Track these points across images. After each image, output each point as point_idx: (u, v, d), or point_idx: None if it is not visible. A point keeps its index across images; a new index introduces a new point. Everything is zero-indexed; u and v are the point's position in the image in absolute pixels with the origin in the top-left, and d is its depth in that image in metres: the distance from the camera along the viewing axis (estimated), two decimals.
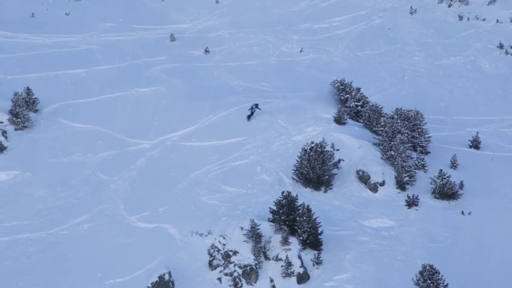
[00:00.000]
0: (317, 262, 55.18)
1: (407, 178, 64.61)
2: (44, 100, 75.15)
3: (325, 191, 64.06)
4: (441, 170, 63.77)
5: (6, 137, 69.32)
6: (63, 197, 62.86)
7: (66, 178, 65.27)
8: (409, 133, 69.41)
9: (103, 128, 72.41)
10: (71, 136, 71.17)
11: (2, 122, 70.89)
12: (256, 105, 69.31)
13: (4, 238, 57.65)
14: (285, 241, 55.64)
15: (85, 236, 58.15)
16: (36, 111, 73.94)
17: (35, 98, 74.15)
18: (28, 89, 74.02)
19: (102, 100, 77.42)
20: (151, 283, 53.07)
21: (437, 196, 63.14)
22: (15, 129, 70.83)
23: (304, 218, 55.96)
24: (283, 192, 57.84)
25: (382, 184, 64.58)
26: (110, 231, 58.65)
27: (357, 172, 65.67)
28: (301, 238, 56.08)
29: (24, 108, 71.91)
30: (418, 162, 66.83)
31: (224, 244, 55.90)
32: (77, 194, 63.31)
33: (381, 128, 69.39)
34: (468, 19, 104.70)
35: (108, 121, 73.50)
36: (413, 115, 71.28)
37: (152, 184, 64.53)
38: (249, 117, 68.67)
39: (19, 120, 70.93)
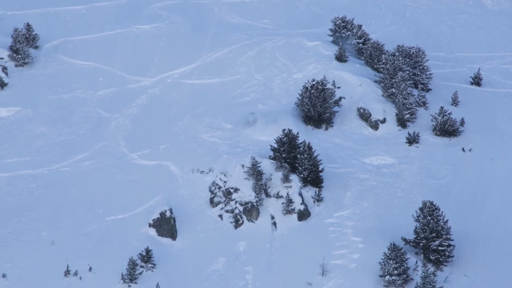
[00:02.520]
0: (318, 199, 54.87)
1: (408, 116, 63.92)
2: (44, 36, 73.92)
3: (326, 129, 63.45)
4: (442, 107, 63.15)
5: (6, 74, 68.43)
6: (64, 134, 62.34)
7: (66, 115, 64.64)
8: (410, 70, 68.45)
9: (103, 65, 71.41)
10: (72, 73, 70.23)
11: (2, 58, 69.94)
12: None
13: (5, 174, 57.28)
14: (286, 179, 55.24)
15: (86, 173, 57.80)
16: (36, 47, 72.81)
17: (35, 34, 72.98)
18: (28, 25, 72.81)
19: (102, 37, 76.13)
20: (152, 220, 52.83)
21: (438, 133, 62.57)
22: (16, 66, 69.88)
23: (305, 155, 55.50)
24: (284, 130, 57.29)
25: (383, 121, 63.93)
26: (111, 168, 58.25)
27: (358, 109, 64.95)
28: (301, 175, 55.68)
29: (24, 44, 70.82)
30: (419, 99, 66.05)
31: (225, 182, 55.50)
32: (78, 131, 62.75)
33: (382, 66, 68.44)
34: None
35: (109, 58, 72.44)
36: (414, 52, 70.27)
37: (153, 121, 63.93)
38: None
39: (19, 56, 69.91)
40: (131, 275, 48.43)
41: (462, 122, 63.31)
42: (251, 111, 64.08)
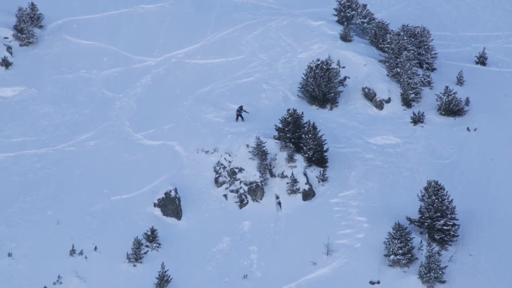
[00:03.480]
0: (323, 179, 54.70)
1: (413, 95, 63.65)
2: (49, 16, 73.43)
3: (331, 109, 63.22)
4: (447, 87, 62.82)
5: (11, 53, 68.07)
6: (69, 114, 62.05)
7: (71, 94, 64.33)
8: (415, 50, 68.11)
9: (108, 45, 71.02)
10: (76, 53, 69.83)
11: (7, 38, 69.55)
12: (240, 108, 59.94)
13: (11, 153, 57.05)
14: (290, 159, 55.04)
15: (91, 152, 57.60)
16: (40, 27, 72.38)
17: (40, 13, 72.52)
18: (32, 4, 72.30)
19: (106, 16, 75.62)
20: (157, 200, 52.70)
21: (443, 112, 62.28)
22: (20, 45, 69.48)
23: (310, 135, 55.28)
24: (288, 110, 57.08)
25: (388, 101, 63.65)
26: (116, 148, 58.03)
27: (363, 89, 64.65)
28: (306, 155, 55.48)
29: (28, 24, 70.37)
30: (424, 79, 65.76)
31: (229, 162, 55.32)
32: (83, 111, 62.46)
33: (387, 45, 68.08)
34: None
35: (113, 38, 72.02)
36: (419, 32, 69.90)
37: (157, 101, 63.62)
38: (236, 119, 60.17)
39: (24, 36, 69.52)
40: (136, 255, 48.37)
41: (467, 102, 63.04)
42: (256, 91, 63.67)
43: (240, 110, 59.34)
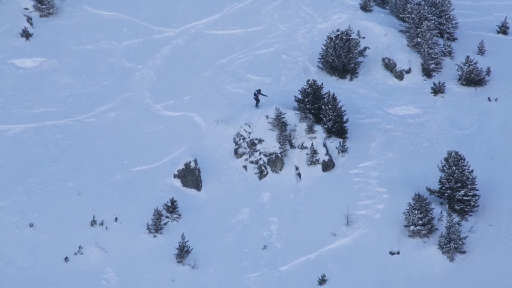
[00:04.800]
0: (342, 150, 54.32)
1: (433, 65, 63.04)
2: None
3: (351, 79, 62.70)
4: (468, 57, 62.10)
5: (31, 24, 67.82)
6: (89, 85, 61.86)
7: (91, 65, 64.08)
8: (436, 19, 67.24)
9: (127, 16, 70.59)
10: (96, 24, 69.50)
11: (27, 9, 69.32)
12: (258, 91, 57.38)
13: (31, 124, 57.03)
14: (310, 129, 54.69)
15: (111, 123, 57.46)
16: None
17: None
18: None
19: None
20: (177, 171, 52.54)
21: (464, 82, 61.63)
22: (40, 16, 69.26)
23: (330, 106, 54.83)
24: (308, 81, 56.65)
25: (408, 71, 63.04)
26: (136, 119, 57.86)
27: (383, 59, 64.04)
28: (326, 126, 55.09)
29: None
30: (445, 49, 65.06)
31: (249, 133, 55.04)
32: (103, 82, 62.22)
33: (407, 15, 67.32)
34: None
35: (133, 9, 71.52)
36: (440, 1, 69.02)
37: (177, 72, 63.28)
38: (256, 104, 57.42)
39: (44, 6, 69.24)
40: (156, 225, 48.34)
41: (488, 72, 62.33)
42: (275, 62, 63.19)
43: (258, 93, 57.27)
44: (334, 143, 54.73)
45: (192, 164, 52.64)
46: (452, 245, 45.15)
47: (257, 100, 56.91)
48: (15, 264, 45.39)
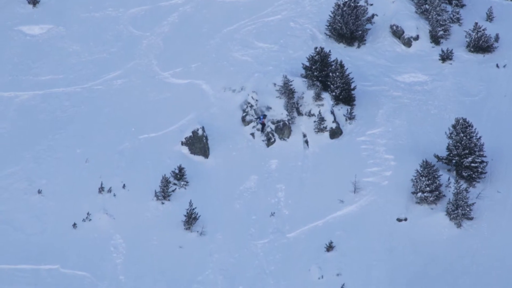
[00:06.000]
0: (350, 117, 53.85)
1: (441, 32, 62.26)
2: None
3: (358, 47, 62.01)
4: (476, 23, 61.39)
5: None
6: (96, 52, 61.42)
7: (98, 33, 63.55)
8: None
9: None
10: None
11: None
12: (264, 117, 53.76)
13: (39, 91, 56.79)
14: (317, 97, 54.19)
15: (119, 91, 57.10)
16: None
17: None
18: None
19: None
20: (185, 138, 52.21)
21: (472, 49, 60.94)
22: None
23: (337, 73, 54.31)
24: (316, 48, 56.07)
25: (416, 38, 62.31)
26: (143, 87, 57.46)
27: (391, 27, 63.32)
28: (333, 93, 54.60)
29: None
30: (453, 16, 64.20)
31: (257, 100, 54.58)
32: (110, 49, 61.76)
33: None
34: None
35: None
36: None
37: (184, 40, 62.66)
38: (262, 129, 53.53)
39: None
40: (164, 192, 48.10)
41: (497, 38, 61.62)
42: (283, 29, 62.54)
43: (264, 119, 53.47)
44: (341, 110, 54.27)
45: (200, 132, 52.26)
46: (460, 211, 44.80)
47: (263, 124, 53.38)
48: (24, 230, 45.34)
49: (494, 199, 47.02)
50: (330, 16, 62.08)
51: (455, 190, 45.36)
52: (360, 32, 61.98)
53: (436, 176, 46.56)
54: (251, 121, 54.00)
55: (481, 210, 46.03)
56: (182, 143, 52.12)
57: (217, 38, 62.62)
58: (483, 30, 60.65)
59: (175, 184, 49.10)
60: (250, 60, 59.50)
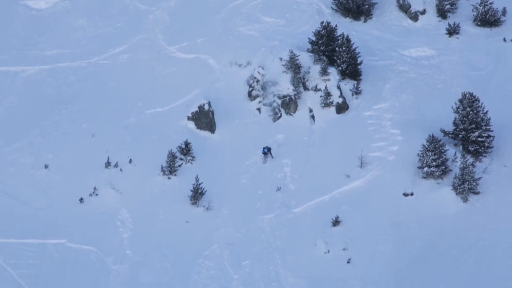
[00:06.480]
0: (356, 92, 53.44)
1: (448, 6, 61.61)
2: None
3: (365, 21, 61.44)
4: None
5: None
6: (102, 27, 61.14)
7: (104, 7, 63.15)
8: None
9: None
10: None
11: None
12: (269, 150, 49.84)
13: (45, 66, 56.65)
14: (324, 72, 53.76)
15: (125, 65, 56.87)
16: None
17: None
18: None
19: None
20: (191, 113, 51.97)
21: (479, 23, 60.29)
22: None
23: (344, 48, 53.86)
24: (322, 23, 55.55)
25: (423, 12, 61.66)
26: (149, 61, 57.19)
27: (397, 1, 62.71)
28: (340, 68, 54.16)
29: None
30: None
31: (263, 75, 54.22)
32: (116, 24, 61.44)
33: None
34: None
35: None
36: None
37: (190, 14, 62.23)
38: (265, 159, 49.87)
39: None
40: (170, 167, 47.92)
41: (504, 12, 60.91)
42: (289, 4, 61.99)
43: (268, 151, 49.77)
44: (348, 85, 53.86)
45: (206, 107, 51.97)
46: (466, 186, 44.49)
47: (266, 154, 49.83)
48: (30, 204, 45.37)
49: (500, 173, 46.66)
50: None
51: (462, 165, 45.02)
52: (366, 6, 61.42)
53: (442, 150, 46.21)
54: (257, 96, 53.70)
55: (487, 185, 45.68)
56: (188, 118, 51.87)
57: (223, 12, 62.16)
58: (490, 3, 60.00)
59: (181, 159, 48.91)
60: (256, 35, 59.07)
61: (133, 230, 44.35)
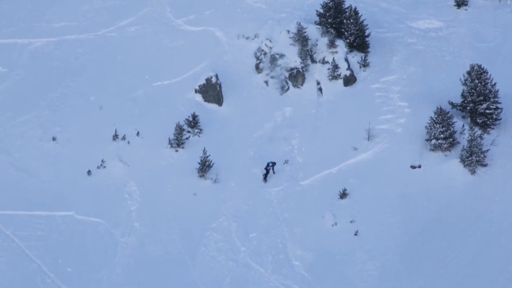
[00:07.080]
0: (364, 64, 52.89)
1: None
2: None
3: None
4: None
5: None
6: None
7: None
8: None
9: None
10: None
11: None
12: (273, 164, 46.52)
13: (52, 38, 56.39)
14: (331, 44, 53.22)
15: (132, 38, 56.52)
16: None
17: None
18: None
19: None
20: (199, 86, 51.58)
21: None
22: None
23: (351, 20, 53.30)
24: None
25: None
26: (156, 34, 56.82)
27: None
28: (348, 40, 53.61)
29: None
30: None
31: (270, 48, 53.72)
32: None
33: None
34: None
35: None
36: None
37: None
38: (265, 177, 46.29)
39: None
40: (178, 140, 47.61)
41: None
42: None
43: (272, 167, 46.49)
44: (355, 57, 53.35)
45: (213, 79, 51.53)
46: (474, 158, 44.04)
47: (268, 172, 46.35)
48: (39, 177, 45.23)
49: (508, 145, 46.15)
50: None
51: (469, 137, 44.56)
52: None
53: (450, 123, 45.73)
54: (264, 69, 53.21)
55: (495, 157, 45.19)
56: (196, 91, 51.50)
57: None
58: None
59: (189, 131, 48.62)
60: (264, 7, 58.59)
61: (141, 203, 44.18)
